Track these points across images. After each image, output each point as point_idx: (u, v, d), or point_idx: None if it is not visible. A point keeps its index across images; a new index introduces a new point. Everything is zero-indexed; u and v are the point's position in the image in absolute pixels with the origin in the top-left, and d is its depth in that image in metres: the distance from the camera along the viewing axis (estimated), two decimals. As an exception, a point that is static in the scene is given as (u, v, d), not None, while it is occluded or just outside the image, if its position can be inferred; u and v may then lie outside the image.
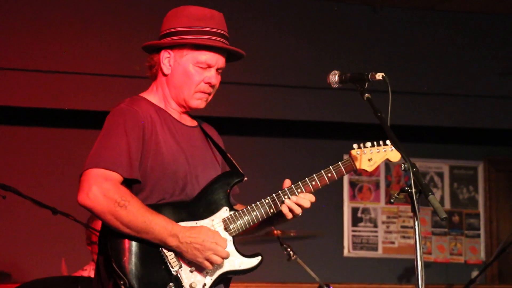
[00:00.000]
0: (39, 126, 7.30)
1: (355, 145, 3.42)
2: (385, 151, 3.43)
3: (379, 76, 3.21)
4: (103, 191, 3.05)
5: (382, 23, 7.64)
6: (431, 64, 7.63)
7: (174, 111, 3.40)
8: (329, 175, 3.38)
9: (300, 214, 3.37)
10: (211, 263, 3.18)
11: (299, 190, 3.36)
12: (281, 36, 7.40)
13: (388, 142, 3.42)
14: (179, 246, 3.13)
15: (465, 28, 7.79)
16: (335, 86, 3.38)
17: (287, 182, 3.39)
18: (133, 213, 3.07)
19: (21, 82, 6.84)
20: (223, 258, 3.20)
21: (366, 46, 7.53)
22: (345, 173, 3.42)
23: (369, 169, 3.43)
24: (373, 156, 3.43)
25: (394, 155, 3.42)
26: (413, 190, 2.97)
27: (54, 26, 6.95)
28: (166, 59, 3.36)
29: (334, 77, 3.37)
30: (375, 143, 3.43)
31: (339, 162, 3.41)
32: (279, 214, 3.38)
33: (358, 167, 3.42)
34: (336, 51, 7.43)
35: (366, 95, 3.22)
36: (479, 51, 7.75)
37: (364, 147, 3.42)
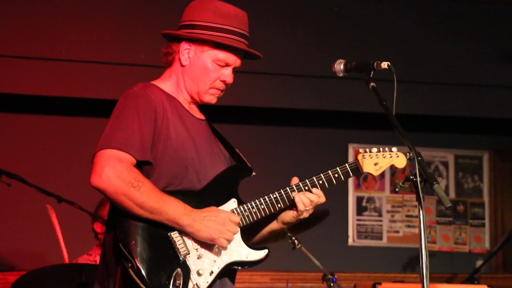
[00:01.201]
0: (44, 114, 7.31)
1: (361, 149, 3.43)
2: (391, 157, 3.46)
3: (384, 65, 3.21)
4: (116, 172, 3.05)
5: (387, 11, 7.62)
6: (437, 53, 7.61)
7: (185, 101, 3.42)
8: (336, 175, 3.41)
9: (307, 215, 3.39)
10: (226, 239, 3.19)
11: (306, 188, 3.39)
12: (286, 25, 7.39)
13: (394, 148, 3.45)
14: (193, 224, 3.14)
15: (470, 16, 7.77)
16: (341, 75, 3.38)
17: (294, 180, 3.41)
18: (147, 193, 3.07)
19: (26, 70, 6.84)
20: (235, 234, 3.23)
21: (371, 35, 7.52)
22: (351, 175, 3.44)
23: (375, 173, 3.46)
24: (379, 160, 3.45)
25: (400, 162, 3.45)
26: (418, 179, 2.98)
27: (61, 14, 6.96)
28: (186, 50, 3.38)
29: (339, 65, 3.37)
30: (381, 148, 3.45)
31: (346, 164, 3.43)
32: (286, 215, 3.43)
33: (364, 170, 3.44)
34: (341, 40, 7.42)
35: (372, 84, 3.23)
36: (485, 40, 7.73)
37: (370, 151, 3.44)
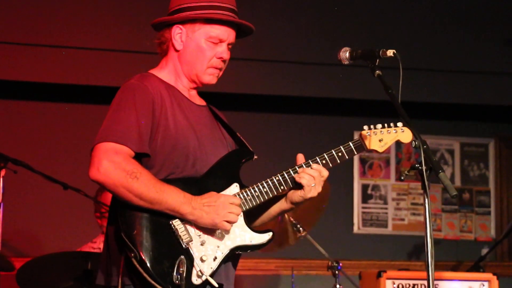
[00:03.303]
0: (50, 101, 7.31)
1: (365, 126, 3.42)
2: (395, 132, 3.44)
3: (390, 53, 3.20)
4: (114, 164, 3.06)
5: (393, -1, 7.61)
6: (442, 41, 7.59)
7: (184, 89, 3.42)
8: (340, 154, 3.39)
9: (315, 193, 3.36)
10: (229, 222, 3.18)
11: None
12: (291, 12, 7.37)
13: (399, 123, 3.44)
14: (193, 212, 3.14)
15: (477, 4, 7.74)
16: (346, 62, 3.37)
17: (300, 157, 3.39)
18: (145, 184, 3.07)
19: (33, 57, 6.84)
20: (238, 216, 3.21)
21: (376, 22, 7.49)
22: (355, 153, 3.42)
23: (380, 149, 3.43)
24: (383, 136, 3.42)
25: (405, 136, 3.43)
26: (424, 167, 2.97)
27: (66, 1, 6.95)
28: (178, 34, 3.38)
29: (345, 53, 3.36)
30: (385, 124, 3.43)
31: (349, 142, 3.41)
32: (294, 194, 3.39)
33: (368, 147, 3.42)
34: (346, 27, 7.40)
35: (377, 72, 3.22)
36: (491, 27, 7.70)
37: (375, 128, 3.42)
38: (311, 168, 3.35)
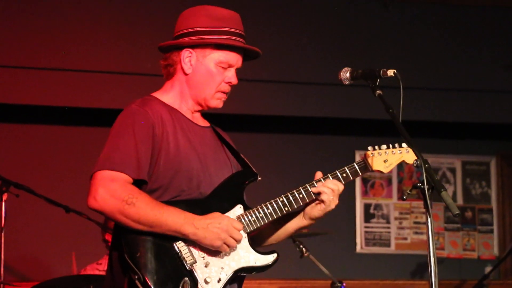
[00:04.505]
0: (52, 124, 7.32)
1: (370, 147, 3.42)
2: (400, 152, 3.44)
3: (390, 72, 3.21)
4: (109, 192, 3.07)
5: (393, 18, 7.62)
6: (443, 59, 7.61)
7: (188, 111, 3.41)
8: (344, 175, 3.39)
9: (333, 206, 3.36)
10: (228, 246, 3.19)
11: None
12: (292, 33, 7.39)
13: (403, 144, 3.43)
14: (196, 233, 3.14)
15: (477, 22, 7.77)
16: (347, 82, 3.38)
17: (318, 174, 3.39)
18: (143, 208, 3.08)
19: (34, 80, 6.86)
20: (238, 241, 3.21)
21: (377, 42, 7.52)
22: (360, 173, 3.42)
23: (385, 170, 3.43)
24: (388, 157, 3.43)
25: (410, 157, 3.43)
26: (426, 186, 2.96)
27: (66, 24, 6.98)
28: (188, 58, 3.37)
29: (345, 73, 3.37)
30: (390, 145, 3.44)
31: (354, 163, 3.41)
32: (313, 210, 3.38)
33: (373, 167, 3.41)
34: (348, 48, 7.43)
35: (378, 91, 3.22)
36: (492, 46, 7.72)
37: (380, 149, 3.43)
38: (329, 181, 3.35)
